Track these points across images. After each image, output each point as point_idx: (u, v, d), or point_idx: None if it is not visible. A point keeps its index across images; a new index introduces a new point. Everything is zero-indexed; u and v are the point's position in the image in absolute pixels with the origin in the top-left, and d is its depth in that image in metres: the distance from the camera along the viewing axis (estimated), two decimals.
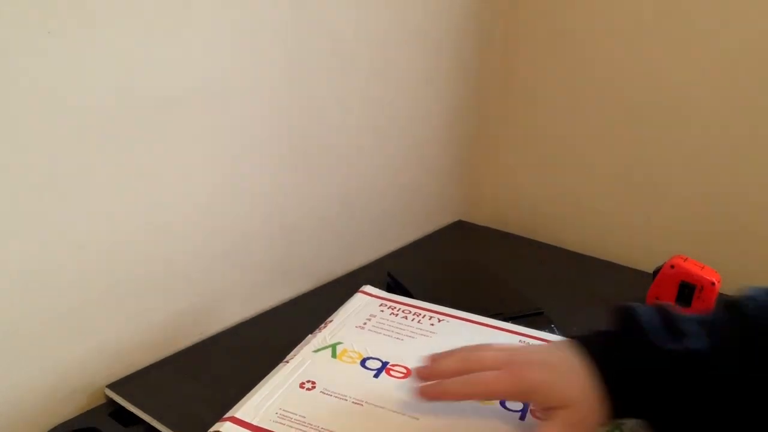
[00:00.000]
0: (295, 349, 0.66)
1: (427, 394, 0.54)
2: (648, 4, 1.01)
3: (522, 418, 0.56)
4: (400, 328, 0.69)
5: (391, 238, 1.07)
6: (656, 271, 0.87)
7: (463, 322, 0.72)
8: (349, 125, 0.91)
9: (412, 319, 0.71)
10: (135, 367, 0.71)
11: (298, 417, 0.55)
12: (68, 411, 0.66)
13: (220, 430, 0.54)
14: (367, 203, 1.00)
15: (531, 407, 0.56)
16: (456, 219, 1.20)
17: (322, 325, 0.70)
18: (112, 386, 0.68)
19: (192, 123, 0.70)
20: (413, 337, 0.68)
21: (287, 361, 0.63)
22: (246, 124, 0.76)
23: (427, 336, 0.68)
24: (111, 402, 0.67)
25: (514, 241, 1.14)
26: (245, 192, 0.79)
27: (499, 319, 0.79)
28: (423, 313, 0.73)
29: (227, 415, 0.56)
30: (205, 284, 0.78)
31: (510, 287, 0.90)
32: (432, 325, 0.70)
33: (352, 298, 0.77)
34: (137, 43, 0.63)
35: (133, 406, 0.65)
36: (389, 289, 0.90)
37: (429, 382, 0.54)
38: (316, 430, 0.54)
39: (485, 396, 0.53)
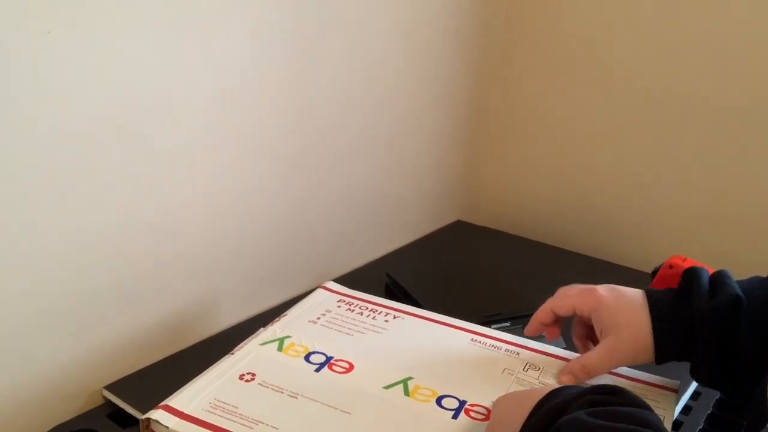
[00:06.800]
0: (244, 342, 0.66)
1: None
2: (653, 1, 1.01)
3: (455, 417, 0.56)
4: (353, 324, 0.69)
5: (391, 238, 1.07)
6: (655, 272, 0.86)
7: (419, 319, 0.71)
8: (350, 125, 0.91)
9: (367, 316, 0.71)
10: (133, 369, 0.71)
11: (230, 407, 0.55)
12: (66, 412, 0.66)
13: (152, 417, 0.54)
14: (367, 203, 0.99)
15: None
16: (455, 219, 1.20)
17: (276, 318, 0.70)
18: (110, 387, 0.68)
19: (193, 124, 0.70)
20: (363, 333, 0.67)
21: (233, 353, 0.63)
22: (246, 125, 0.76)
23: (378, 332, 0.68)
24: (109, 403, 0.67)
25: (513, 241, 1.14)
26: (245, 193, 0.79)
27: (497, 319, 0.79)
28: (380, 309, 0.72)
29: (162, 403, 0.56)
30: (204, 285, 0.78)
31: (509, 287, 0.90)
32: (386, 321, 0.70)
33: (312, 293, 0.76)
34: (138, 44, 0.63)
35: (131, 408, 0.65)
36: (388, 290, 0.90)
37: None
38: (246, 420, 0.54)
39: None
